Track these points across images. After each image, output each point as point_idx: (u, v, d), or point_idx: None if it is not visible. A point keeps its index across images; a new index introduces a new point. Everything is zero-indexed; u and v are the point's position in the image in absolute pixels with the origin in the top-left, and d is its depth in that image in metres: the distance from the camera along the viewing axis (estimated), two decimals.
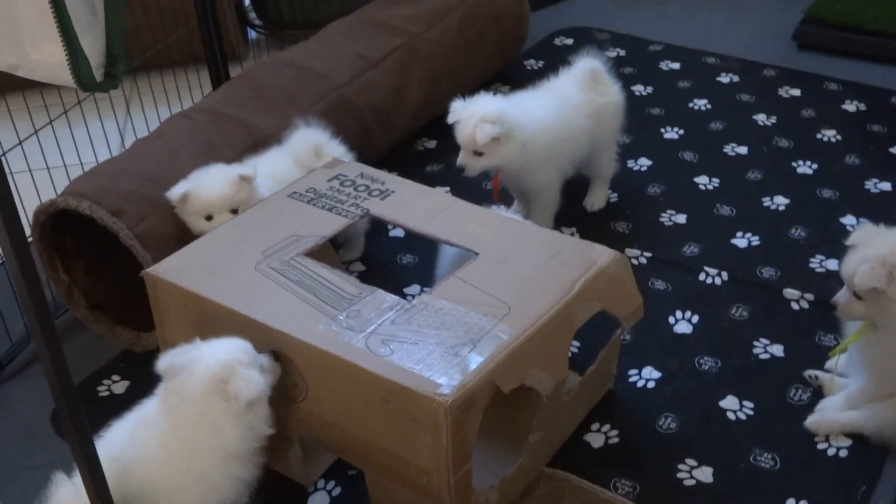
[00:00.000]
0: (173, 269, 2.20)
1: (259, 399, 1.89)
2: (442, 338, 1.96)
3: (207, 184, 2.43)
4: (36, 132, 2.70)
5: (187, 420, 1.89)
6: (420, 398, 1.83)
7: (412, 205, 2.40)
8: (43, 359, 1.66)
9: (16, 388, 2.53)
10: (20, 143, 2.64)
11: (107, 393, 2.48)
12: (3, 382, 2.55)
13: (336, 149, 2.72)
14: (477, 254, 2.21)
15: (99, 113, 3.03)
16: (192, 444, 1.90)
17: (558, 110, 2.80)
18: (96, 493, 1.82)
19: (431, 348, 1.94)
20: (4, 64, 1.10)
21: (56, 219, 2.48)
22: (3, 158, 2.43)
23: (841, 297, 2.09)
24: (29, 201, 2.50)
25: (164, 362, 1.92)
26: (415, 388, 1.85)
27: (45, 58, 1.02)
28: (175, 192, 2.42)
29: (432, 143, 3.42)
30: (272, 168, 2.60)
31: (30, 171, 2.74)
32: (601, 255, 2.21)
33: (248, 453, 1.94)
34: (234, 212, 2.43)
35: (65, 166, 2.84)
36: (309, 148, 2.66)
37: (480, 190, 3.14)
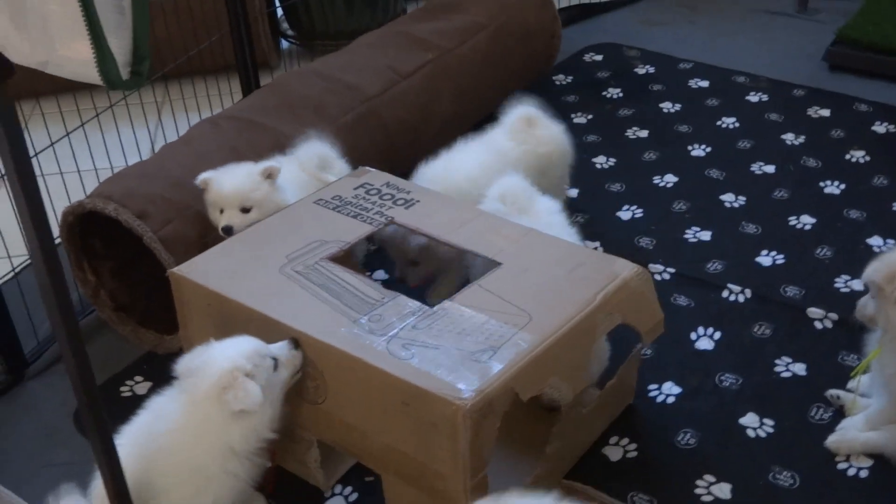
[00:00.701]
0: (198, 270, 2.22)
1: (256, 407, 1.91)
2: (462, 344, 1.97)
3: (227, 176, 2.45)
4: (68, 134, 2.75)
5: (193, 418, 1.92)
6: (439, 402, 1.84)
7: (436, 215, 2.42)
8: (66, 358, 1.68)
9: (40, 387, 2.56)
10: (52, 144, 2.68)
11: (129, 393, 2.51)
12: (28, 380, 2.59)
13: (342, 166, 2.71)
14: (500, 264, 2.22)
15: (131, 119, 3.07)
16: (195, 439, 1.92)
17: (493, 167, 2.67)
18: (115, 492, 1.84)
19: (452, 353, 1.94)
20: (35, 61, 1.13)
21: (85, 220, 2.52)
22: (35, 160, 2.49)
23: (864, 298, 2.13)
24: (59, 203, 2.55)
25: (182, 364, 1.95)
26: (434, 392, 1.85)
27: (73, 55, 1.04)
28: (200, 177, 2.45)
29: None
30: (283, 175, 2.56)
31: (61, 173, 2.79)
32: (623, 268, 2.21)
33: (249, 453, 1.96)
34: (246, 211, 2.43)
35: (95, 170, 2.88)
36: (315, 158, 2.66)
37: None
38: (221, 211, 2.44)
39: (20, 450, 2.39)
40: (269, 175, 2.46)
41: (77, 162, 2.84)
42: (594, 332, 2.10)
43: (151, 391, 2.48)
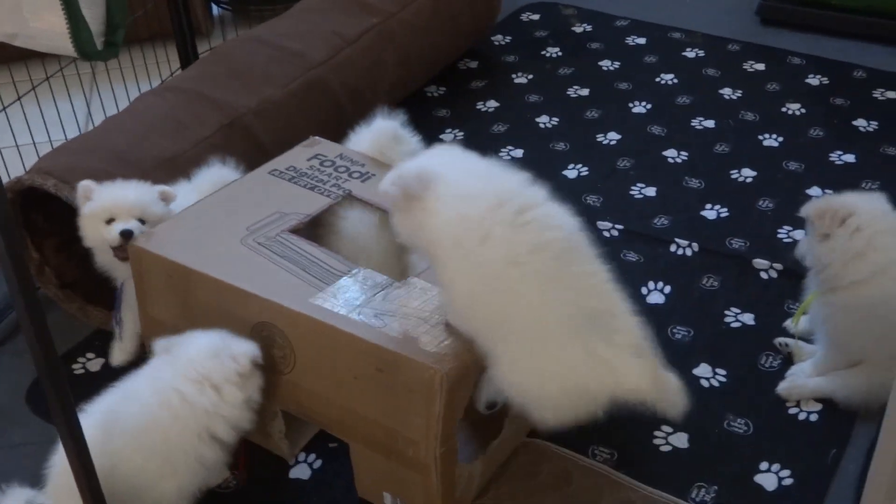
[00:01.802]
0: (157, 241, 2.18)
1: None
2: (434, 315, 1.98)
3: (123, 188, 2.26)
4: (4, 108, 2.67)
5: (171, 400, 1.92)
6: (417, 367, 1.85)
7: None
8: (27, 331, 1.65)
9: None
10: None
11: (82, 371, 2.47)
12: None
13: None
14: None
15: (68, 90, 3.00)
16: (171, 422, 1.91)
17: None
18: (82, 469, 1.81)
19: (424, 323, 1.95)
20: (2, 33, 1.09)
21: (26, 196, 2.46)
22: None
23: (803, 237, 2.27)
24: (1, 178, 2.48)
25: (162, 345, 1.98)
26: (412, 357, 1.86)
27: (46, 26, 1.01)
28: (82, 184, 2.23)
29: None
30: (180, 201, 2.37)
31: None
32: None
33: (229, 441, 1.97)
34: (126, 237, 2.20)
35: (34, 144, 2.81)
36: (214, 185, 2.44)
37: None
38: (108, 221, 2.22)
39: None
40: (166, 198, 2.29)
41: (15, 136, 2.76)
42: None
43: (105, 367, 2.46)
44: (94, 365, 2.48)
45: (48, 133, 2.86)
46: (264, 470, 2.20)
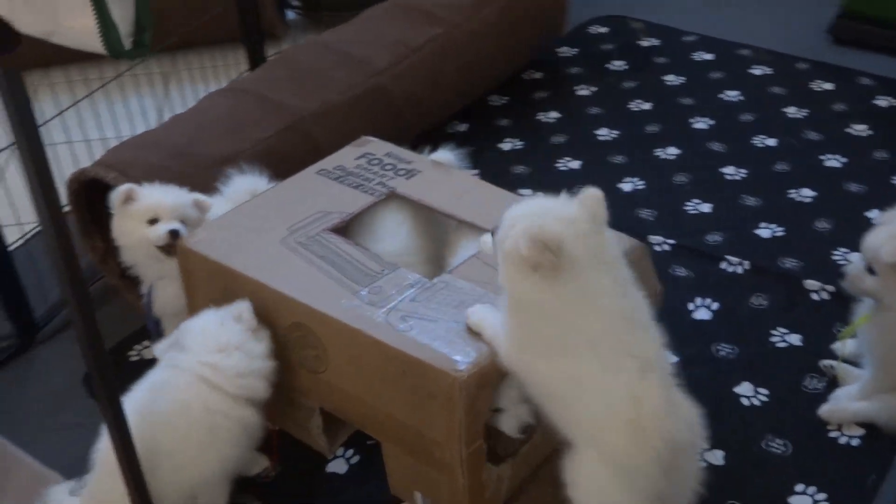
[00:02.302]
0: (202, 241, 2.25)
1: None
2: (460, 317, 2.00)
3: (162, 190, 2.32)
4: (76, 103, 2.79)
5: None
6: (436, 373, 1.88)
7: (438, 185, 2.45)
8: (76, 324, 1.72)
9: (50, 351, 2.62)
10: (60, 113, 2.72)
11: (137, 358, 2.56)
12: (39, 344, 2.64)
13: None
14: None
15: (138, 89, 3.11)
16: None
17: None
18: (125, 454, 1.89)
19: (450, 326, 1.98)
20: (41, 31, 1.16)
21: (92, 188, 2.56)
22: (44, 129, 2.52)
23: (853, 268, 2.13)
24: (69, 172, 2.59)
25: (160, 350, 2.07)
26: (432, 364, 1.89)
27: (77, 25, 1.08)
28: (123, 187, 2.27)
29: (463, 127, 3.46)
30: (213, 212, 2.41)
31: (69, 143, 2.83)
32: (621, 242, 2.24)
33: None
34: (174, 236, 2.26)
35: (103, 139, 2.92)
36: (248, 194, 2.48)
37: (507, 174, 3.19)
38: (151, 221, 2.28)
39: (30, 412, 2.45)
40: (200, 207, 2.34)
41: (86, 132, 2.88)
42: None
43: None
44: (149, 353, 2.56)
45: (118, 129, 2.97)
46: (302, 463, 2.25)
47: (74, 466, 2.25)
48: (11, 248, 2.61)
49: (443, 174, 2.49)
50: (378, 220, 2.37)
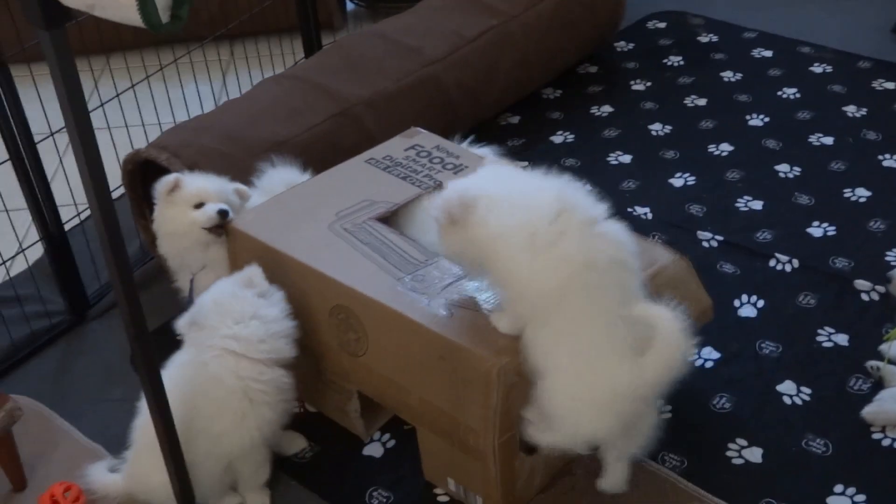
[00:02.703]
0: (251, 223, 2.30)
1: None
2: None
3: (204, 177, 2.37)
4: (133, 86, 2.85)
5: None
6: (475, 358, 1.90)
7: None
8: (121, 303, 1.77)
9: (101, 327, 2.69)
10: (117, 95, 2.79)
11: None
12: (90, 321, 2.72)
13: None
14: None
15: (195, 75, 3.17)
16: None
17: None
18: (165, 431, 1.94)
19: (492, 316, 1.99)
20: (83, 3, 1.20)
21: (147, 170, 2.62)
22: (101, 111, 2.59)
23: None
24: (124, 154, 2.66)
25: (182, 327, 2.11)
26: (470, 348, 1.91)
27: None
28: (171, 177, 2.32)
29: (515, 119, 3.46)
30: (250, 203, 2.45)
31: (126, 126, 2.90)
32: (661, 255, 2.22)
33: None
34: (224, 216, 2.30)
35: (159, 124, 2.98)
36: (283, 186, 2.48)
37: (558, 167, 3.18)
38: (198, 206, 2.31)
39: (79, 385, 2.52)
40: (241, 195, 2.39)
41: (142, 116, 2.94)
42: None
43: None
44: None
45: (173, 115, 3.04)
46: (339, 444, 2.28)
47: (119, 441, 2.31)
48: (67, 227, 2.68)
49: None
50: (423, 212, 2.38)
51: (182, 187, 2.32)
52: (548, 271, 1.81)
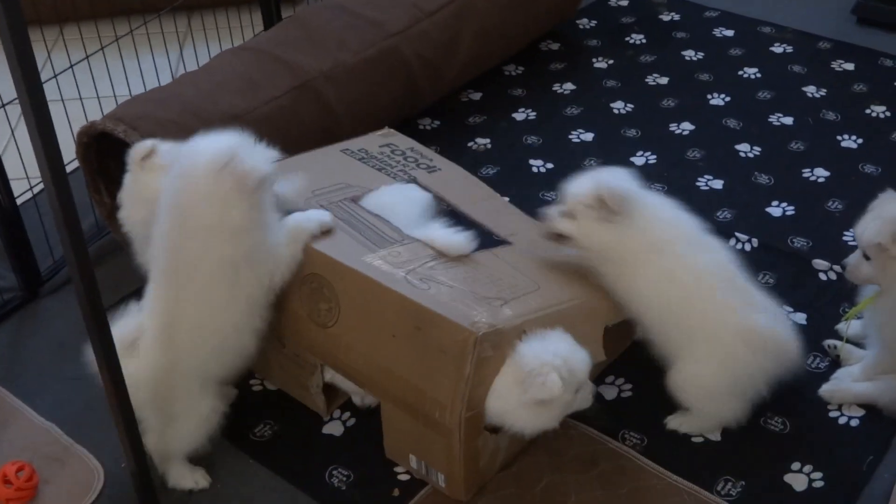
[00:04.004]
0: None
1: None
2: (477, 289, 2.01)
3: (173, 144, 2.27)
4: (87, 57, 2.78)
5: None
6: (452, 326, 1.89)
7: (456, 185, 2.45)
8: (75, 280, 1.74)
9: (54, 303, 2.64)
10: (71, 66, 2.72)
11: None
12: (43, 297, 2.66)
13: None
14: (510, 244, 2.24)
15: (151, 48, 3.10)
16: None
17: None
18: (120, 408, 1.91)
19: (466, 293, 1.99)
20: None
21: (102, 143, 2.56)
22: (54, 82, 2.53)
23: (852, 257, 2.14)
24: (78, 127, 2.59)
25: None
26: (449, 317, 1.91)
27: None
28: (142, 144, 2.27)
29: (477, 95, 3.44)
30: None
31: (81, 99, 2.83)
32: None
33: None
34: None
35: (114, 96, 2.92)
36: None
37: (519, 144, 3.17)
38: None
39: (33, 363, 2.46)
40: None
41: (97, 89, 2.88)
42: (605, 315, 2.16)
43: None
44: None
45: (129, 87, 2.97)
46: (298, 423, 2.26)
47: (74, 419, 2.28)
48: (20, 201, 2.62)
49: (463, 179, 2.49)
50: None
51: (158, 154, 2.27)
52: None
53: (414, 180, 2.40)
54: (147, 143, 2.27)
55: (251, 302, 2.03)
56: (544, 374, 1.87)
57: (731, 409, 2.13)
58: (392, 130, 2.64)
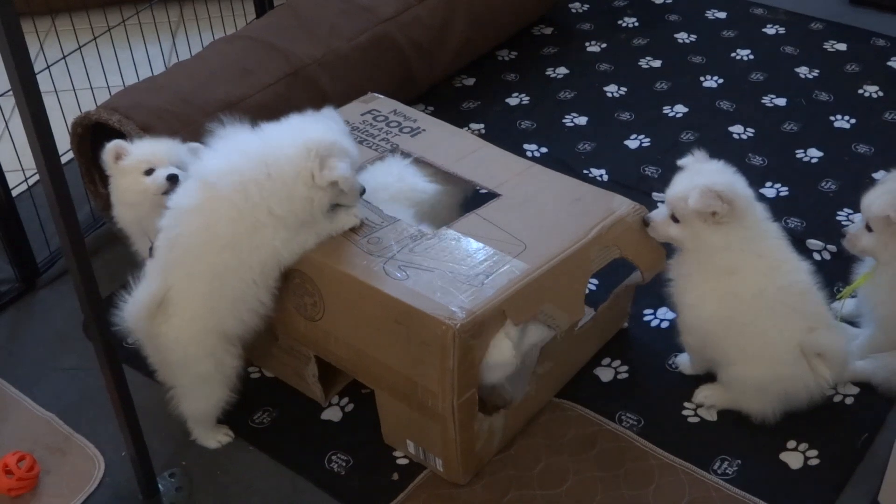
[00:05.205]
0: None
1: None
2: (457, 268, 2.01)
3: (152, 141, 2.30)
4: (80, 48, 2.78)
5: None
6: (431, 321, 1.89)
7: (441, 144, 2.44)
8: (72, 270, 1.75)
9: (51, 295, 2.64)
10: (63, 57, 2.71)
11: None
12: (40, 289, 2.66)
13: None
14: (500, 195, 2.24)
15: (144, 38, 3.10)
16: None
17: None
18: (119, 397, 1.92)
19: (446, 276, 1.99)
20: None
21: (96, 133, 2.56)
22: (48, 74, 2.52)
23: (852, 227, 2.17)
24: (72, 117, 2.59)
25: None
26: (426, 312, 1.90)
27: None
28: (113, 143, 2.24)
29: (470, 81, 3.44)
30: None
31: (74, 89, 2.83)
32: (620, 204, 2.24)
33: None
34: (174, 181, 2.18)
35: (108, 87, 2.91)
36: None
37: (513, 129, 3.18)
38: (148, 172, 2.22)
39: (30, 354, 2.47)
40: (195, 153, 2.24)
41: (90, 79, 2.87)
42: (589, 265, 2.15)
43: None
44: None
45: (122, 77, 2.97)
46: (297, 410, 2.27)
47: (73, 409, 2.29)
48: (14, 194, 2.62)
49: (449, 136, 2.48)
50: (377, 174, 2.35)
51: (127, 154, 2.25)
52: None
53: (396, 147, 2.40)
54: (111, 145, 2.25)
55: (275, 259, 2.04)
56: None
57: (771, 407, 2.14)
58: (375, 95, 2.62)
